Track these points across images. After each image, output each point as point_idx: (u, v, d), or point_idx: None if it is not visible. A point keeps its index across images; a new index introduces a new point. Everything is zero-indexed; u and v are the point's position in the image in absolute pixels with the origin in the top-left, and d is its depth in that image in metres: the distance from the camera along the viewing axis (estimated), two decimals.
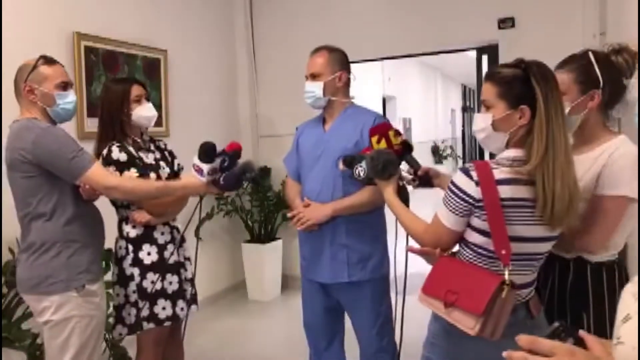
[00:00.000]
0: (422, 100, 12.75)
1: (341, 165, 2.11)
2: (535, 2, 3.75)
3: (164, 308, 2.16)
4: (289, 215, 2.32)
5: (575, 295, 1.57)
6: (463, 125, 18.95)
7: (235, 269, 4.73)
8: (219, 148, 2.09)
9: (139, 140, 2.23)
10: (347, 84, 2.29)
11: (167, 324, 2.18)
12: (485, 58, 4.16)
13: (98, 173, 1.88)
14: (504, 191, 1.33)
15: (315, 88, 2.20)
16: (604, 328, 1.52)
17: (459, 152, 17.80)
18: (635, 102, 1.51)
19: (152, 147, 2.30)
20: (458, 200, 1.38)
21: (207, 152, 1.89)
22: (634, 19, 2.25)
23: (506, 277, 1.33)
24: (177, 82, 4.10)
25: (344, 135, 2.20)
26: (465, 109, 19.12)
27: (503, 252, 1.34)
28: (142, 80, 2.58)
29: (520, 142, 1.40)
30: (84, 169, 1.85)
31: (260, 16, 4.82)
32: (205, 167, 1.88)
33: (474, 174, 1.35)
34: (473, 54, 4.42)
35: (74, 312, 1.91)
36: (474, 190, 1.35)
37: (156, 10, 3.92)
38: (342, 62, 2.26)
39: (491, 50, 4.01)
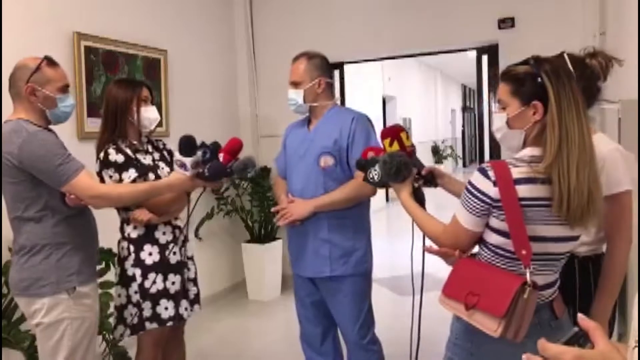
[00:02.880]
0: (422, 100, 12.75)
1: (322, 163, 2.25)
2: (535, 2, 3.75)
3: (166, 308, 2.16)
4: (272, 210, 2.41)
5: (562, 287, 1.58)
6: (463, 125, 18.97)
7: (235, 269, 4.74)
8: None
9: (135, 142, 2.21)
10: (329, 87, 2.34)
11: (169, 324, 2.17)
12: (485, 58, 4.16)
13: (83, 182, 1.84)
14: (522, 191, 1.31)
15: (297, 96, 2.29)
16: None
17: (459, 152, 17.81)
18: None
19: (150, 149, 2.29)
20: (476, 200, 1.37)
21: (187, 145, 1.88)
22: (634, 19, 2.25)
23: (527, 278, 1.32)
24: (177, 82, 4.10)
25: (324, 135, 2.29)
26: (465, 109, 19.13)
27: (523, 252, 1.33)
28: (142, 81, 2.58)
29: (537, 140, 1.39)
30: (70, 177, 1.82)
31: (260, 16, 4.82)
32: (188, 161, 1.87)
33: (491, 173, 1.34)
34: (473, 54, 4.42)
35: (65, 315, 1.89)
36: (492, 191, 1.33)
37: (156, 10, 3.93)
38: (321, 67, 2.32)
39: (491, 50, 4.01)
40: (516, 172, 1.33)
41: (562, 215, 1.32)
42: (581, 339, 0.73)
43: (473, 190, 1.38)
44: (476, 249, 1.50)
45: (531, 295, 1.31)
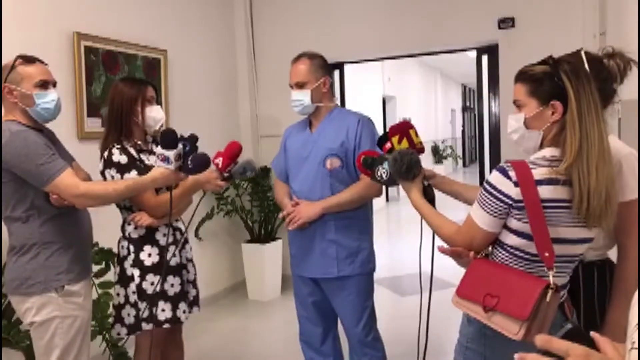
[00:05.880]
0: (422, 100, 12.74)
1: (329, 165, 2.25)
2: (535, 2, 3.75)
3: (163, 310, 2.15)
4: (280, 216, 2.40)
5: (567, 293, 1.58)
6: (463, 125, 18.96)
7: (235, 269, 4.74)
8: (218, 148, 2.10)
9: (139, 142, 2.21)
10: (331, 87, 2.36)
11: (166, 325, 2.17)
12: (485, 58, 4.16)
13: (65, 182, 1.83)
14: (544, 192, 1.30)
15: (303, 96, 2.27)
16: (595, 327, 1.55)
17: (459, 152, 17.80)
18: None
19: (154, 148, 2.29)
20: (495, 201, 1.35)
21: (170, 139, 1.88)
22: (634, 19, 2.25)
23: (551, 280, 1.30)
24: (177, 82, 4.10)
25: (329, 137, 2.30)
26: (465, 109, 19.13)
27: (546, 254, 1.31)
28: (147, 80, 2.57)
29: (555, 140, 1.38)
30: (52, 177, 1.81)
31: (260, 16, 4.82)
32: (171, 154, 1.87)
33: (512, 174, 1.32)
34: (473, 54, 4.42)
35: (56, 313, 1.90)
36: (513, 191, 1.32)
37: (156, 10, 3.92)
38: (324, 67, 2.33)
39: (491, 50, 4.01)
40: (537, 173, 1.31)
41: (581, 216, 1.31)
42: (575, 336, 0.74)
43: (492, 190, 1.36)
44: (489, 248, 1.48)
45: (553, 298, 1.29)
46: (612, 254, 1.63)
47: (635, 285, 1.52)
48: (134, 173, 2.09)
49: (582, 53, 1.55)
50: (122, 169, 2.09)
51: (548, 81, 1.36)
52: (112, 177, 2.09)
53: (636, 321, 0.72)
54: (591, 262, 1.60)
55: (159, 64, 3.89)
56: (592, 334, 0.75)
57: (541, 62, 1.41)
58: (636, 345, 0.70)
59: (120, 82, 2.23)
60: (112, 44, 3.48)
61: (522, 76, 1.43)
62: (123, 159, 2.10)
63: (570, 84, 1.33)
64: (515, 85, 1.45)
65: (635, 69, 1.62)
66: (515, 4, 3.80)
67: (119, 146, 2.13)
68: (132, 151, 2.15)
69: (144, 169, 2.12)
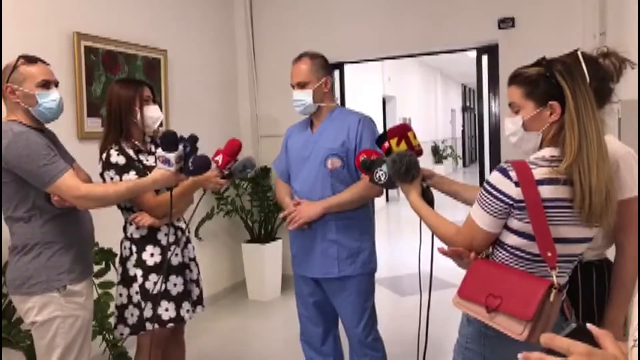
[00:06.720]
0: (422, 100, 12.74)
1: (329, 165, 2.25)
2: (535, 2, 3.75)
3: (167, 310, 2.16)
4: (281, 216, 2.40)
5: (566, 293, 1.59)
6: (463, 125, 18.97)
7: (235, 269, 4.74)
8: (218, 148, 2.10)
9: (138, 143, 2.21)
10: (332, 87, 2.36)
11: (169, 325, 2.17)
12: (485, 58, 4.16)
13: (67, 183, 1.84)
14: (545, 192, 1.30)
15: (305, 96, 2.27)
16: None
17: (459, 152, 17.81)
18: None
19: (153, 149, 2.29)
20: (496, 201, 1.35)
21: (171, 141, 1.88)
22: (634, 19, 2.25)
23: (554, 280, 1.30)
24: (177, 82, 4.10)
25: (330, 136, 2.30)
26: (465, 109, 19.14)
27: (549, 254, 1.31)
28: (143, 80, 2.57)
29: (554, 140, 1.38)
30: (54, 178, 1.82)
31: (260, 16, 4.82)
32: (172, 156, 1.87)
33: (512, 174, 1.32)
34: (473, 54, 4.42)
35: (57, 313, 1.91)
36: (514, 191, 1.32)
37: (156, 10, 3.93)
38: (325, 67, 2.33)
39: (491, 50, 4.01)
40: (538, 173, 1.32)
41: (583, 215, 1.31)
42: (579, 335, 0.74)
43: (492, 191, 1.36)
44: (489, 249, 1.48)
45: (557, 298, 1.29)
46: (611, 254, 1.63)
47: (633, 283, 1.53)
48: (132, 174, 2.10)
49: (579, 53, 1.56)
50: (120, 170, 2.09)
51: (544, 82, 1.37)
52: (111, 178, 2.10)
53: (637, 320, 0.72)
54: (589, 262, 1.61)
55: (159, 64, 3.89)
56: (590, 326, 0.74)
57: (534, 64, 1.41)
58: (637, 343, 0.70)
59: (116, 84, 2.23)
60: (112, 44, 3.48)
61: (517, 78, 1.43)
62: (121, 160, 2.10)
63: (566, 83, 1.33)
64: (510, 88, 1.45)
65: (633, 69, 1.62)
66: (515, 4, 3.80)
67: (116, 147, 2.13)
68: (130, 152, 2.16)
69: (143, 170, 2.13)
